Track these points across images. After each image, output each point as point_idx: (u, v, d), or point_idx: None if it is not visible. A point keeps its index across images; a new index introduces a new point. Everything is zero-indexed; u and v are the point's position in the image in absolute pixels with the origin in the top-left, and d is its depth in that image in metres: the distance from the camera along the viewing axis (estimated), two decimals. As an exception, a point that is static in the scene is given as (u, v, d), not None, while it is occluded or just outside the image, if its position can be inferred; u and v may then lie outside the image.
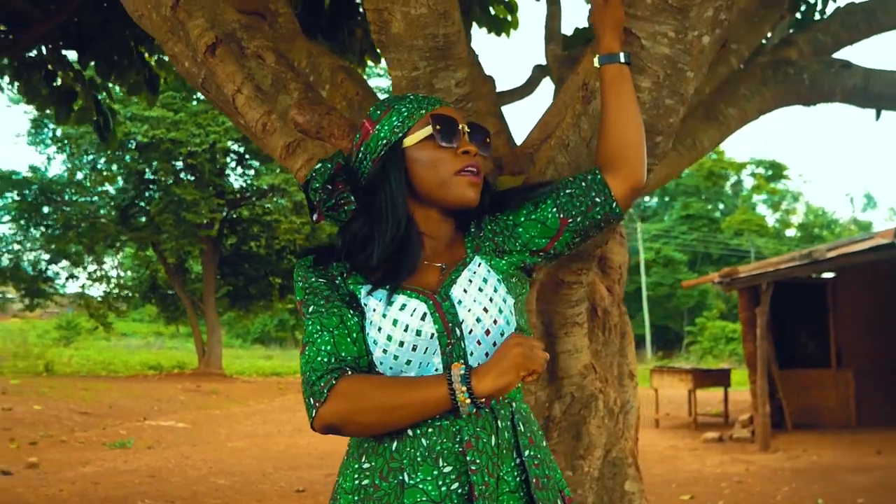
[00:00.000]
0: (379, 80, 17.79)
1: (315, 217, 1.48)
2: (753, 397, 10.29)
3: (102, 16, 4.84)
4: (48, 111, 5.92)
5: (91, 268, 22.52)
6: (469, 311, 1.38)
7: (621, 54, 1.57)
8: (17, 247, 20.88)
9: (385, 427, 1.33)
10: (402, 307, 1.37)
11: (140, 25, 2.71)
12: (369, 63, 5.40)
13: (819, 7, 4.31)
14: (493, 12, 5.09)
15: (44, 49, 5.34)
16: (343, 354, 1.35)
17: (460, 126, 1.45)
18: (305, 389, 1.35)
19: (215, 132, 17.93)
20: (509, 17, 5.17)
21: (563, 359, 2.39)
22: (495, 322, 1.38)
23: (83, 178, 20.25)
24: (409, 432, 1.33)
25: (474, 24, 4.90)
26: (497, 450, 1.34)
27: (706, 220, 39.58)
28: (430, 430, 1.33)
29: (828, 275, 11.65)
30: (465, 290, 1.39)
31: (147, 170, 19.36)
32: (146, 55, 5.27)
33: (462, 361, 1.34)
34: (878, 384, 10.86)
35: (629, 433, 2.68)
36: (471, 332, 1.37)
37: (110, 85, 5.71)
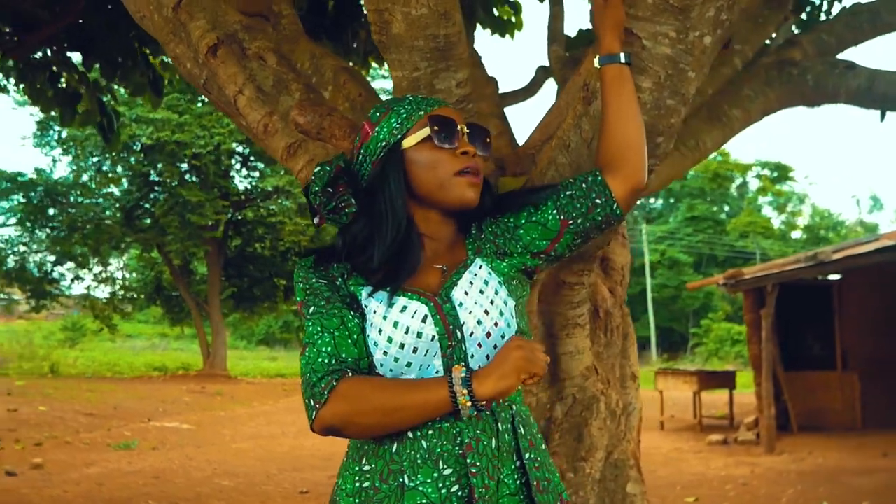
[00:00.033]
0: (383, 81, 17.80)
1: (316, 221, 1.48)
2: (759, 399, 10.26)
3: (107, 18, 4.85)
4: (53, 113, 5.94)
5: (96, 269, 22.62)
6: (470, 313, 1.37)
7: (622, 55, 1.56)
8: (22, 248, 20.97)
9: (385, 429, 1.32)
10: (403, 309, 1.36)
11: (142, 27, 2.71)
12: (373, 65, 5.40)
13: (825, 8, 4.30)
14: (496, 14, 5.08)
15: (49, 51, 5.35)
16: (344, 356, 1.35)
17: (459, 127, 1.45)
18: (306, 391, 1.35)
19: (220, 134, 17.97)
20: (513, 19, 5.17)
21: (564, 360, 2.39)
22: (496, 324, 1.37)
23: (88, 180, 20.31)
24: (410, 434, 1.33)
25: (478, 25, 4.89)
26: (497, 452, 1.34)
27: (711, 221, 39.48)
28: (430, 432, 1.33)
29: (834, 277, 11.62)
30: (466, 293, 1.39)
31: (152, 171, 19.40)
32: (150, 57, 5.28)
33: (463, 364, 1.34)
34: (884, 386, 10.81)
35: (631, 435, 2.67)
36: (472, 334, 1.36)
37: (115, 87, 5.73)
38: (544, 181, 1.90)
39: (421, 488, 1.30)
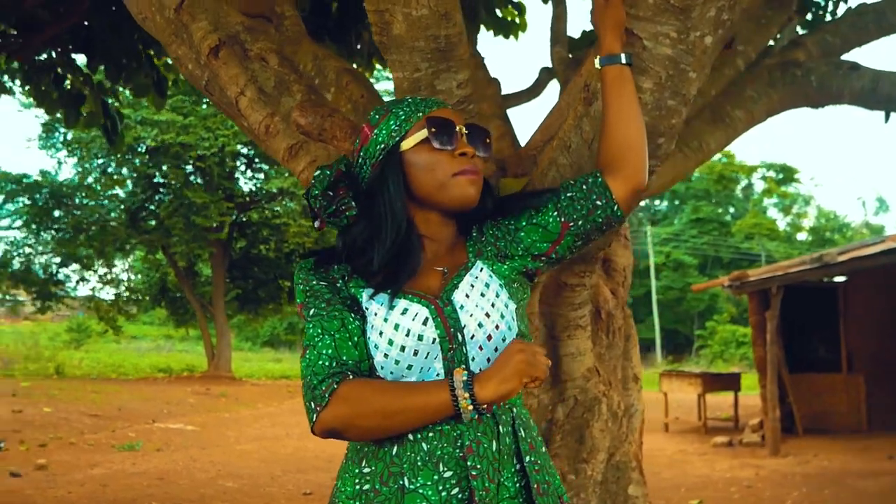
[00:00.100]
0: (388, 83, 17.79)
1: (317, 224, 1.48)
2: (763, 402, 10.22)
3: (111, 19, 4.86)
4: (58, 115, 5.95)
5: (101, 271, 22.66)
6: (471, 316, 1.37)
7: (622, 55, 1.55)
8: (28, 250, 21.01)
9: (386, 432, 1.32)
10: (404, 312, 1.36)
11: (144, 28, 2.71)
12: (377, 66, 5.40)
13: (830, 9, 4.28)
14: (500, 15, 5.08)
15: (53, 53, 5.37)
16: (344, 358, 1.35)
17: (458, 128, 1.44)
18: (306, 393, 1.35)
19: (224, 136, 17.99)
20: (517, 20, 5.16)
21: (566, 362, 2.38)
22: (497, 327, 1.37)
23: (93, 182, 20.34)
24: (410, 437, 1.33)
25: (482, 27, 4.89)
26: (498, 455, 1.34)
27: (716, 223, 39.40)
28: (430, 434, 1.32)
29: (839, 279, 11.58)
30: (467, 295, 1.39)
31: (157, 174, 19.44)
32: (155, 58, 5.29)
33: (464, 367, 1.33)
34: (890, 388, 10.78)
35: (633, 437, 2.66)
36: (472, 337, 1.36)
37: (119, 89, 5.74)
38: (545, 182, 1.89)
39: (421, 491, 1.30)
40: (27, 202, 19.93)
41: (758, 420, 10.95)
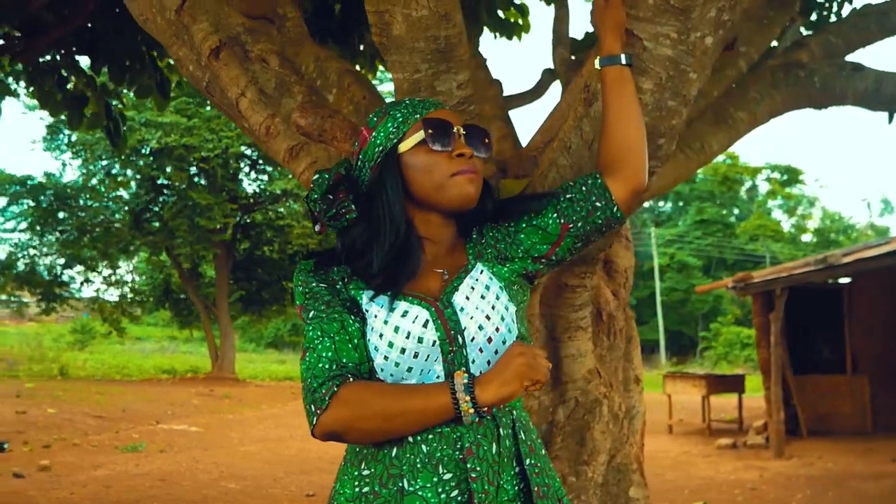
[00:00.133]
0: (391, 84, 17.76)
1: (317, 228, 1.48)
2: (768, 403, 10.20)
3: (114, 21, 4.87)
4: (62, 117, 5.97)
5: (105, 272, 22.68)
6: (471, 318, 1.36)
7: (622, 56, 1.55)
8: (32, 252, 21.03)
9: (386, 434, 1.32)
10: (404, 314, 1.36)
11: (145, 29, 2.71)
12: (380, 68, 5.40)
13: (834, 10, 4.27)
14: (503, 16, 5.08)
15: (57, 55, 5.38)
16: (344, 361, 1.34)
17: (455, 129, 1.43)
18: (306, 396, 1.35)
19: (228, 137, 18.02)
20: (520, 21, 5.16)
21: (566, 363, 2.37)
22: (497, 330, 1.37)
23: (97, 184, 20.37)
24: (409, 439, 1.32)
25: (485, 28, 4.88)
26: (498, 458, 1.33)
27: (721, 225, 39.34)
28: (430, 436, 1.32)
29: (844, 280, 11.56)
30: (467, 298, 1.38)
31: (161, 175, 19.47)
32: (158, 60, 5.30)
33: (464, 370, 1.33)
34: (894, 390, 10.75)
35: (634, 439, 2.65)
36: (473, 339, 1.36)
37: (122, 90, 5.75)
38: (545, 183, 1.89)
39: (420, 493, 1.29)
40: (32, 204, 19.97)
41: (762, 422, 10.92)
